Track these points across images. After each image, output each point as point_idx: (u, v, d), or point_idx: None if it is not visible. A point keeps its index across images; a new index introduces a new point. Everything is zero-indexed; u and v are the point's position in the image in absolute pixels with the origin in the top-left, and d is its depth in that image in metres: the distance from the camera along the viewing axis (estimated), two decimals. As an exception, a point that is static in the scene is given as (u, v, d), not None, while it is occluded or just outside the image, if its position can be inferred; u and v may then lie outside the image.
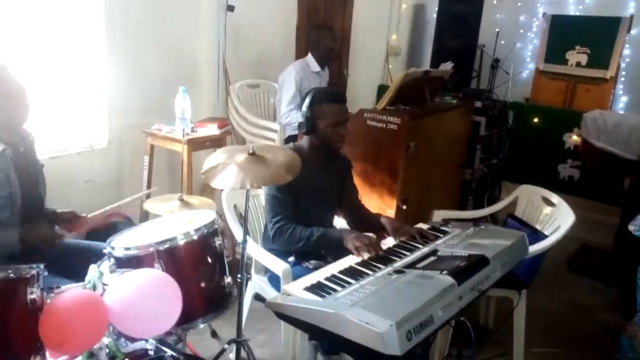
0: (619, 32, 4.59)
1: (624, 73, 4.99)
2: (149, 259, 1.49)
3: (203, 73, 3.52)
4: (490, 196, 3.79)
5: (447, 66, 3.26)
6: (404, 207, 2.61)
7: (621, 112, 4.90)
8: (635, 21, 4.62)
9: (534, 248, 2.09)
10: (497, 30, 5.56)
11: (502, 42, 5.71)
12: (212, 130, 2.96)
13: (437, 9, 5.43)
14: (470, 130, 3.37)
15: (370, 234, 1.95)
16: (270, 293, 2.04)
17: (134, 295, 1.31)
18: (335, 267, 1.64)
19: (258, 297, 2.20)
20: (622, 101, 5.10)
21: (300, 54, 4.13)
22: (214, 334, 2.42)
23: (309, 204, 2.04)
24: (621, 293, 2.91)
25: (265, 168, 1.67)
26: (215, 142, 2.96)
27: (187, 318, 1.46)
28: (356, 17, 4.88)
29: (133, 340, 1.48)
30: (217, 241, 1.65)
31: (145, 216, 2.69)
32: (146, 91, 3.12)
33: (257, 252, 2.06)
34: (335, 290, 1.46)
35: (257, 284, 2.19)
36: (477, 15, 5.42)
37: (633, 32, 4.68)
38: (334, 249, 1.90)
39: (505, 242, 1.75)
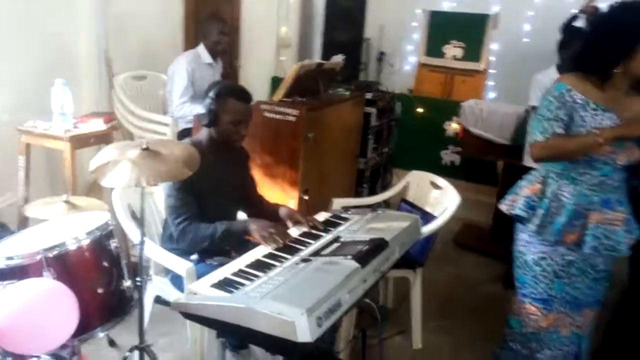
0: (487, 28, 5.04)
1: (494, 65, 5.51)
2: (36, 267, 1.36)
3: (83, 65, 3.26)
4: (383, 183, 3.98)
5: (338, 58, 3.35)
6: (306, 197, 2.65)
7: (492, 101, 5.40)
8: (500, 19, 5.09)
9: (426, 229, 2.24)
10: (382, 24, 5.84)
11: (387, 36, 6.01)
12: (97, 125, 2.75)
13: (324, 2, 5.55)
14: (362, 121, 3.50)
15: (274, 223, 1.95)
16: (173, 294, 1.96)
17: (21, 309, 1.19)
18: (241, 262, 1.62)
19: (159, 300, 2.11)
20: (493, 91, 5.63)
21: (189, 44, 3.99)
22: (111, 343, 2.27)
23: (211, 200, 1.98)
24: (502, 265, 3.22)
25: (161, 163, 1.59)
26: (101, 139, 2.76)
27: (84, 328, 1.37)
28: (245, 8, 4.83)
29: (23, 358, 1.35)
30: (113, 244, 1.55)
31: (24, 222, 2.44)
32: (17, 84, 2.81)
33: (156, 253, 1.96)
34: (243, 285, 1.44)
35: (157, 286, 2.09)
36: (362, 9, 5.63)
37: (500, 28, 5.16)
38: (240, 243, 1.88)
39: (401, 225, 1.85)
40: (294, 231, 1.91)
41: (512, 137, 3.44)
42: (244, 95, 2.00)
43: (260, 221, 1.87)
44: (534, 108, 2.77)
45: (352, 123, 3.36)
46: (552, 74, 2.76)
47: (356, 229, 1.87)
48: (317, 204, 2.62)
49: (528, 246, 1.80)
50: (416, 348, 2.47)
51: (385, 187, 3.91)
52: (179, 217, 1.91)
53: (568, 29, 2.99)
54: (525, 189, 1.81)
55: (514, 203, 1.83)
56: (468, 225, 3.94)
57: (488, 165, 4.10)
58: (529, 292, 1.82)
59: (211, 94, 1.94)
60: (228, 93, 1.95)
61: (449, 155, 4.72)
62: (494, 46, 5.35)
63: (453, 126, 4.50)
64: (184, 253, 1.94)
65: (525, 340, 1.87)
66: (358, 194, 3.64)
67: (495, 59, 5.47)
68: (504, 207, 1.88)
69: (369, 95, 3.58)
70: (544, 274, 1.78)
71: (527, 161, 2.85)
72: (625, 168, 1.69)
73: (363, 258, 1.53)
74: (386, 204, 3.39)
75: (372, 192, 3.75)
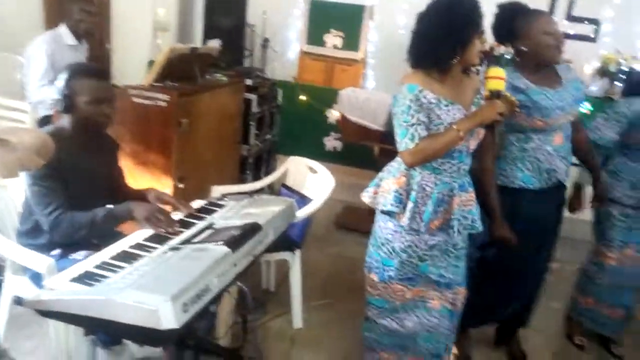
0: (364, 19, 5.25)
1: (373, 55, 5.75)
2: None
3: None
4: (267, 169, 4.01)
5: (214, 43, 3.29)
6: (182, 185, 2.59)
7: (371, 90, 5.65)
8: (376, 10, 5.32)
9: (302, 212, 2.31)
10: (265, 10, 5.81)
11: (270, 22, 5.99)
12: (-62, 112, 2.44)
13: (205, -15, 5.38)
14: (243, 108, 3.48)
15: (159, 207, 1.88)
16: (34, 294, 1.81)
17: None
18: (105, 254, 1.55)
19: (20, 301, 1.94)
20: (373, 80, 5.89)
21: (50, 24, 3.66)
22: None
23: (78, 190, 1.86)
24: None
25: (10, 153, 1.46)
26: (-56, 127, 2.45)
27: None
28: (116, -13, 4.53)
29: None
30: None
31: None
32: None
33: (11, 250, 1.81)
34: (106, 277, 1.38)
35: (15, 285, 1.92)
36: (243, -7, 5.54)
37: (377, 20, 5.39)
38: (110, 235, 1.78)
39: (275, 209, 1.88)
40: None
41: (385, 123, 3.64)
42: (95, 72, 1.89)
43: (144, 204, 1.80)
44: None
45: (232, 109, 3.33)
46: None
47: (230, 215, 1.87)
48: (196, 192, 2.58)
49: (395, 235, 1.86)
50: (297, 328, 2.55)
51: (269, 173, 3.93)
52: (48, 207, 1.77)
53: None
54: (390, 182, 1.85)
55: (376, 195, 1.88)
56: (349, 207, 4.11)
57: (367, 151, 4.32)
58: (396, 274, 1.88)
59: (61, 78, 1.82)
60: (78, 73, 1.84)
61: (331, 142, 4.88)
62: (372, 37, 5.58)
63: (334, 113, 4.64)
64: (45, 248, 1.81)
65: (394, 312, 1.95)
66: (242, 181, 3.63)
67: (374, 49, 5.71)
68: (366, 199, 1.92)
69: (249, 82, 3.57)
70: (410, 260, 1.86)
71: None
72: (473, 151, 1.84)
73: (234, 243, 1.54)
74: (271, 189, 3.43)
75: (257, 179, 3.76)
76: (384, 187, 1.87)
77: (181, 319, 1.19)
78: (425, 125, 1.71)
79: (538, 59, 2.06)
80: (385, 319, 1.97)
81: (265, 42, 6.08)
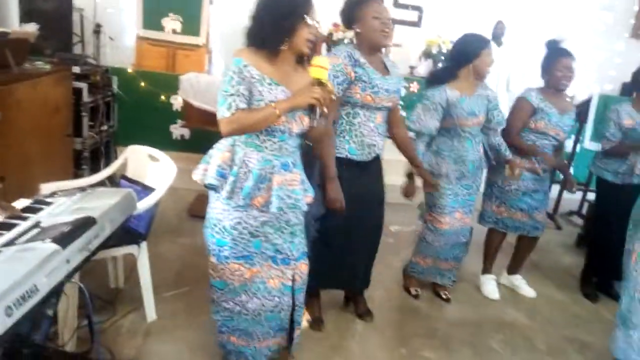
0: (204, 4, 5.16)
1: (219, 40, 5.67)
2: None
3: None
4: (107, 162, 3.78)
5: (30, 27, 2.97)
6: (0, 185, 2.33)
7: (214, 74, 5.59)
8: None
9: (145, 202, 2.25)
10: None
11: (102, 6, 5.57)
12: None
13: (15, -37, 4.79)
14: (72, 98, 3.22)
15: None
16: None
17: None
18: None
19: None
20: (219, 65, 5.82)
21: None
22: None
23: None
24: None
25: None
26: None
27: None
28: None
29: None
30: None
31: None
32: None
33: None
34: None
35: None
36: (66, -26, 5.05)
37: (216, 4, 5.32)
38: None
39: (111, 201, 1.81)
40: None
41: (229, 108, 3.64)
42: None
43: None
44: None
45: (58, 100, 3.06)
46: None
47: (60, 212, 1.75)
48: (21, 192, 2.34)
49: (224, 213, 1.90)
50: (151, 320, 2.49)
51: (108, 166, 3.72)
52: None
53: None
54: (216, 158, 1.89)
55: (205, 172, 1.91)
56: (202, 195, 4.06)
57: (216, 136, 4.28)
58: (230, 253, 1.93)
59: None
60: None
61: (178, 130, 4.76)
62: (217, 21, 5.49)
63: (179, 100, 4.52)
64: None
65: (235, 294, 1.99)
66: (78, 176, 3.38)
67: (219, 34, 5.64)
68: (197, 177, 1.94)
69: (76, 70, 3.31)
70: (241, 236, 1.91)
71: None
72: (298, 135, 1.93)
73: (64, 239, 1.46)
74: (111, 182, 3.24)
75: (95, 172, 3.51)
76: (212, 164, 1.90)
77: (5, 324, 1.12)
78: (244, 97, 1.77)
79: (369, 41, 2.31)
80: (227, 302, 2.00)
81: (98, 28, 5.63)
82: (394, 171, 3.02)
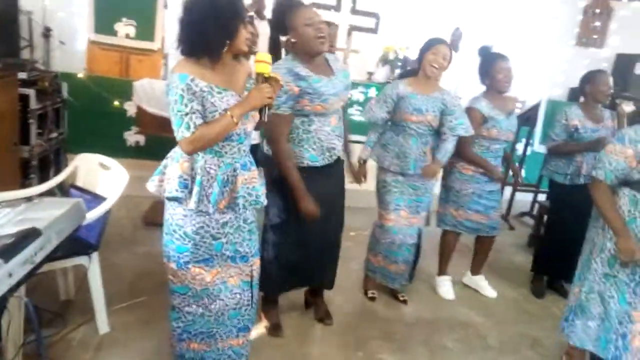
0: (158, 8, 5.07)
1: (174, 46, 5.55)
2: None
3: None
4: (57, 171, 3.65)
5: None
6: (-60, 198, 2.22)
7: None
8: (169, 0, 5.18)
9: (95, 212, 2.19)
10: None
11: (52, 9, 5.40)
12: None
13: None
14: (18, 105, 3.10)
15: None
16: None
17: None
18: None
19: None
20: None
21: None
22: None
23: None
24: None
25: None
26: None
27: None
28: None
29: None
30: None
31: None
32: None
33: None
34: None
35: None
36: (12, -24, 4.86)
37: (171, 9, 5.23)
38: None
39: (59, 211, 1.76)
40: None
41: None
42: None
43: None
44: None
45: (2, 107, 2.94)
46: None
47: (3, 223, 1.69)
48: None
49: (185, 219, 1.88)
50: (103, 333, 2.42)
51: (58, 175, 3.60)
52: None
53: None
54: (175, 168, 1.85)
55: (162, 184, 1.88)
56: (157, 203, 3.98)
57: (171, 143, 4.20)
58: (191, 258, 1.92)
59: None
60: None
61: (133, 136, 4.66)
62: (171, 26, 5.40)
63: (133, 106, 4.43)
64: None
65: (198, 298, 1.98)
66: (26, 186, 3.25)
67: (174, 39, 5.53)
68: (152, 188, 1.91)
69: (23, 75, 3.19)
70: (203, 240, 1.91)
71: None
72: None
73: (6, 252, 1.41)
74: (62, 192, 3.14)
75: (44, 182, 3.39)
76: (168, 174, 1.88)
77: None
78: (199, 113, 1.75)
79: (305, 49, 2.27)
80: (190, 305, 2.00)
81: (47, 32, 5.45)
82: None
